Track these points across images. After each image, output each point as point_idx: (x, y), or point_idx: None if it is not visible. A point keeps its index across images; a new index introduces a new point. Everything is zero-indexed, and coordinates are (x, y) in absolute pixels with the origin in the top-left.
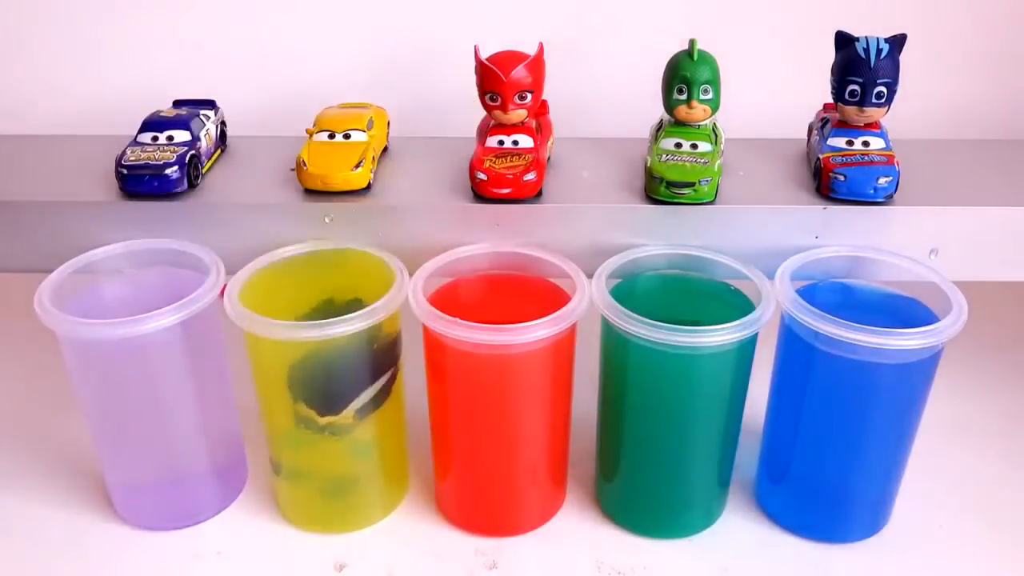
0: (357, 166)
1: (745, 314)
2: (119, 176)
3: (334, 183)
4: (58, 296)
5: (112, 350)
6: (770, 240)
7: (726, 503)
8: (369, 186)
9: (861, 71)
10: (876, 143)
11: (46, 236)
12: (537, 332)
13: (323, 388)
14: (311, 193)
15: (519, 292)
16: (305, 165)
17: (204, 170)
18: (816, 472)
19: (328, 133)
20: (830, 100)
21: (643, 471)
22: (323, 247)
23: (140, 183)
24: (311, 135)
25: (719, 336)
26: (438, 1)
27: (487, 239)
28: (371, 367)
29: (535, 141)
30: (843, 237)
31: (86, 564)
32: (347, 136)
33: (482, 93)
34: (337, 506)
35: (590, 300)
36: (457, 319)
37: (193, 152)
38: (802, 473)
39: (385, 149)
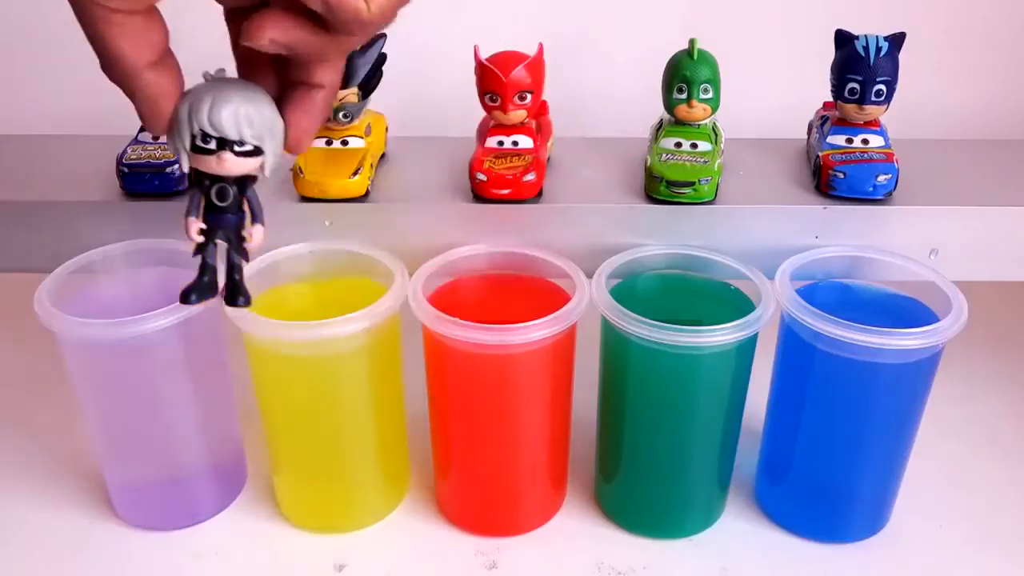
0: (355, 173)
1: (745, 314)
2: (120, 175)
3: (331, 191)
4: (58, 296)
5: (112, 350)
6: (770, 240)
7: (726, 503)
8: (367, 193)
9: (860, 69)
10: (875, 141)
11: (46, 236)
12: (537, 332)
13: None
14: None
15: (519, 292)
16: (302, 172)
17: None
18: (816, 472)
19: (325, 139)
20: (830, 99)
21: (643, 471)
22: (323, 248)
23: (141, 182)
24: None
25: (719, 336)
26: (438, 1)
27: (487, 239)
28: None
29: (535, 142)
30: (843, 237)
31: (86, 564)
32: (344, 143)
33: (482, 93)
34: (337, 506)
35: (590, 300)
36: (457, 319)
37: None
38: (802, 473)
39: (383, 155)
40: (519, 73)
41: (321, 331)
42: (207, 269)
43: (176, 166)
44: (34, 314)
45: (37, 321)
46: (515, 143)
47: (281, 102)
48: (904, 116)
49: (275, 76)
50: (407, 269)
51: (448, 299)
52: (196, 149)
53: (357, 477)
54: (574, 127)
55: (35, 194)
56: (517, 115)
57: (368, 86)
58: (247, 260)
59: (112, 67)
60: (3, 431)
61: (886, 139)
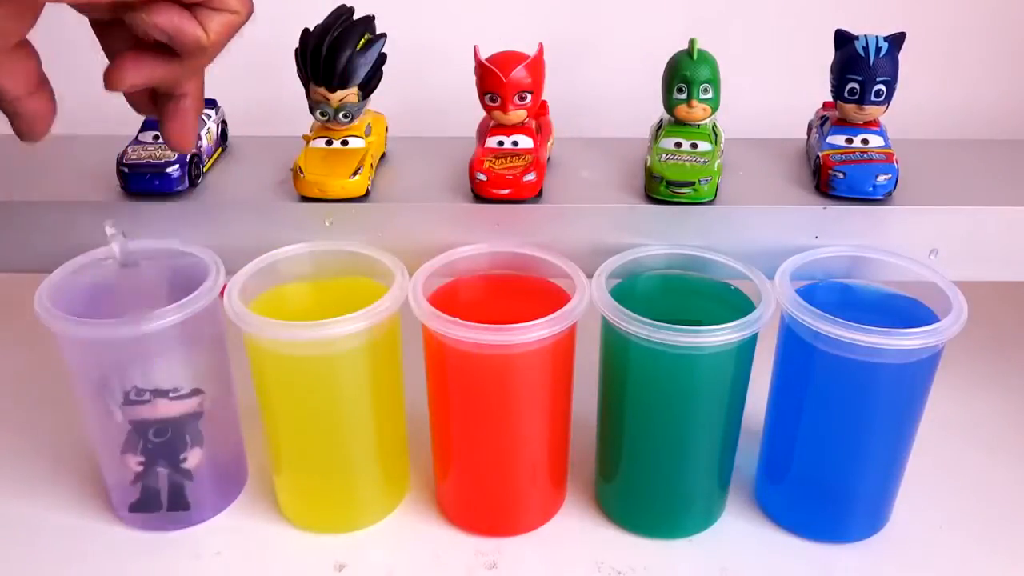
0: (355, 173)
1: (745, 314)
2: (120, 175)
3: (331, 191)
4: (58, 296)
5: (112, 350)
6: (770, 240)
7: (726, 503)
8: (367, 193)
9: (860, 69)
10: (875, 141)
11: (46, 236)
12: (537, 332)
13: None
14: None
15: (519, 292)
16: (302, 172)
17: (205, 169)
18: (816, 472)
19: (325, 139)
20: (830, 99)
21: (643, 471)
22: (323, 248)
23: (141, 182)
24: (308, 141)
25: (719, 336)
26: (438, 1)
27: (487, 239)
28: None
29: (535, 142)
30: (843, 236)
31: (86, 564)
32: (344, 143)
33: (482, 94)
34: (337, 506)
35: (590, 300)
36: (457, 319)
37: (194, 151)
38: (802, 473)
39: (383, 155)
40: (519, 73)
41: (321, 331)
42: (149, 492)
43: (176, 166)
44: (34, 314)
45: (37, 321)
46: (515, 143)
47: (157, 111)
48: (904, 116)
49: (147, 92)
50: (407, 269)
51: (448, 299)
52: (129, 402)
53: (357, 477)
54: (574, 127)
55: (35, 194)
56: (517, 115)
57: (368, 86)
58: (190, 479)
59: None
60: (3, 431)
61: (886, 139)
